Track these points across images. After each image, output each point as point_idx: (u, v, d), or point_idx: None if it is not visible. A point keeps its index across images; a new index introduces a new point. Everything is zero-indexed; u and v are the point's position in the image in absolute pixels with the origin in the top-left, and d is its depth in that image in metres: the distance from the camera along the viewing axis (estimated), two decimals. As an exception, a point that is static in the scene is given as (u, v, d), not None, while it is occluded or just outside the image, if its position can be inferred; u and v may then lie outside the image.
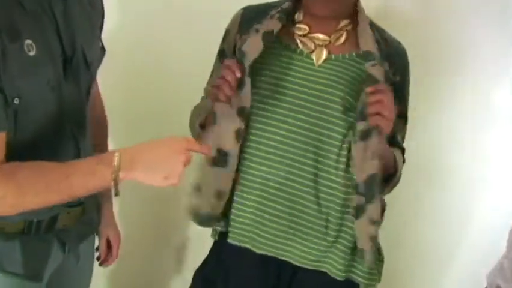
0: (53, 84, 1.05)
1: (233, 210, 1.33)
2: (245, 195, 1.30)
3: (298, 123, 1.25)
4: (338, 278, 1.30)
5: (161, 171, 1.01)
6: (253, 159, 1.28)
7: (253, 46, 1.23)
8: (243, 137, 1.27)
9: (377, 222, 1.27)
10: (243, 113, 1.26)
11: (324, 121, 1.24)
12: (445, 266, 1.84)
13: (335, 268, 1.30)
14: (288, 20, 1.29)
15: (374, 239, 1.28)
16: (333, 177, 1.26)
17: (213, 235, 1.40)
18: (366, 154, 1.22)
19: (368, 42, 1.24)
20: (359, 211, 1.26)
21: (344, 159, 1.25)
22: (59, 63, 1.07)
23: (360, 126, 1.22)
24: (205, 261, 1.41)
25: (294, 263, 1.31)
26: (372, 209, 1.25)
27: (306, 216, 1.29)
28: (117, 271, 1.92)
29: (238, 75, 1.20)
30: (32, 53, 0.99)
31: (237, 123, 1.25)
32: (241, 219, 1.32)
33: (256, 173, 1.28)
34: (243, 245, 1.33)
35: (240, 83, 1.22)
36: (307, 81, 1.26)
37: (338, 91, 1.25)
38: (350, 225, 1.28)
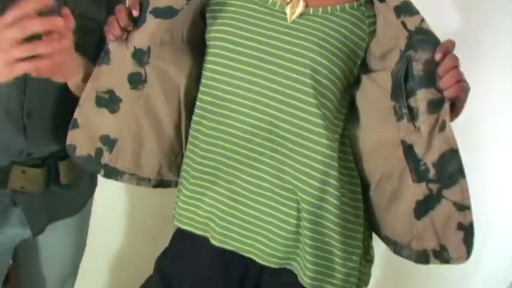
0: None
1: (179, 187, 1.15)
2: (190, 169, 1.11)
3: (261, 90, 1.02)
4: (306, 286, 1.08)
5: None
6: (204, 122, 1.08)
7: None
8: (142, 83, 1.08)
9: (466, 208, 0.98)
10: (139, 56, 1.06)
11: (291, 98, 1.02)
12: (471, 267, 1.67)
13: (303, 274, 1.08)
14: None
15: (467, 228, 0.98)
16: (302, 158, 1.03)
17: (173, 218, 1.19)
18: (435, 129, 0.97)
19: None
20: (429, 204, 1.00)
21: (324, 141, 1.02)
22: None
23: (428, 95, 0.96)
24: (166, 250, 1.22)
25: (258, 260, 1.09)
26: (456, 193, 0.98)
27: (268, 194, 1.06)
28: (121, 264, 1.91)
29: (135, 14, 1.01)
30: None
31: (130, 67, 1.07)
32: (183, 198, 1.13)
33: (205, 138, 1.08)
34: (193, 231, 1.13)
35: (139, 19, 1.03)
36: (277, 40, 1.02)
37: (308, 60, 1.00)
38: (330, 219, 1.05)
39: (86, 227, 1.34)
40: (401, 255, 1.10)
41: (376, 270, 1.21)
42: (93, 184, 1.31)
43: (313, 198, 1.04)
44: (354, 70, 1.07)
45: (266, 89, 1.03)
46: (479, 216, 1.26)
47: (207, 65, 1.08)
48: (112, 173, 1.14)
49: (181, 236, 1.19)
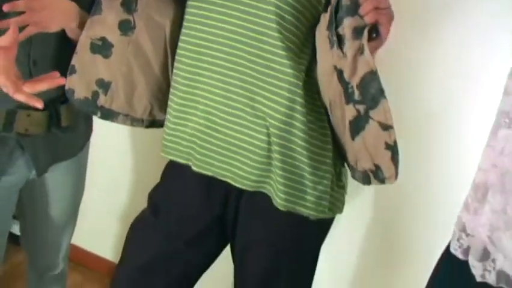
0: None
1: (165, 122, 1.27)
2: (173, 103, 1.23)
3: (232, 28, 1.14)
4: (279, 208, 1.19)
5: None
6: (184, 60, 1.20)
7: None
8: (131, 29, 1.22)
9: (389, 127, 1.09)
10: (127, 5, 1.21)
11: (259, 34, 1.13)
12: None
13: (276, 196, 1.19)
14: None
15: (392, 147, 1.10)
16: (273, 74, 1.13)
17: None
18: (358, 54, 1.08)
19: None
20: (358, 124, 1.11)
21: (289, 70, 1.13)
22: None
23: (352, 22, 1.08)
24: (157, 183, 1.36)
25: (234, 184, 1.21)
26: (380, 113, 1.09)
27: (241, 121, 1.17)
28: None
29: None
30: None
31: (119, 15, 1.21)
32: (168, 131, 1.25)
33: (185, 75, 1.20)
34: (177, 160, 1.26)
35: None
36: None
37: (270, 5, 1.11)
38: (298, 143, 1.16)
39: (84, 170, 1.48)
40: (355, 179, 1.21)
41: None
42: (89, 128, 1.44)
43: (281, 123, 1.15)
44: (319, 7, 1.17)
45: (237, 26, 1.15)
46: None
47: (188, 10, 1.21)
48: (108, 115, 1.29)
49: (169, 168, 1.33)
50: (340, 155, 1.25)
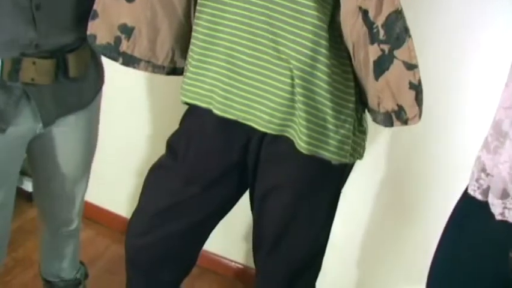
0: None
1: (186, 67, 1.26)
2: (195, 47, 1.22)
3: None
4: (302, 151, 1.20)
5: None
6: (208, 3, 1.19)
7: None
8: None
9: (414, 66, 1.10)
10: None
11: None
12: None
13: (299, 139, 1.19)
14: None
15: (416, 86, 1.11)
16: (289, 15, 1.13)
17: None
18: None
19: None
20: (383, 64, 1.11)
21: (314, 12, 1.11)
22: None
23: None
24: (176, 130, 1.36)
25: (257, 127, 1.21)
26: (404, 52, 1.10)
27: (265, 64, 1.17)
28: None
29: None
30: None
31: None
32: (189, 74, 1.25)
33: (208, 18, 1.19)
34: (198, 104, 1.25)
35: None
36: None
37: None
38: (321, 86, 1.15)
39: (97, 123, 1.45)
40: (377, 122, 1.22)
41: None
42: (100, 79, 1.40)
43: (305, 65, 1.15)
44: None
45: None
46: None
47: None
48: (130, 61, 1.29)
49: (188, 115, 1.33)
50: (361, 101, 1.25)
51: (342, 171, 1.30)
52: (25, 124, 1.24)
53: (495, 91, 1.14)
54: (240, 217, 1.58)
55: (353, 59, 1.20)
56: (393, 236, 1.82)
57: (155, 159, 1.40)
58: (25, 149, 1.32)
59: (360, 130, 1.26)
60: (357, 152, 1.27)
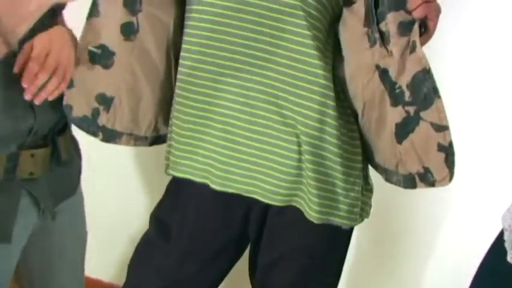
0: None
1: (170, 135, 1.14)
2: (182, 114, 1.10)
3: (252, 26, 1.02)
4: (313, 221, 1.10)
5: None
6: (190, 64, 1.07)
7: None
8: (135, 33, 1.08)
9: (444, 128, 1.01)
10: (131, 4, 1.06)
11: (285, 32, 1.02)
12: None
13: (309, 208, 1.10)
14: None
15: (447, 148, 1.02)
16: (298, 76, 1.03)
17: (165, 169, 1.18)
18: (406, 51, 1.00)
19: None
20: (407, 127, 1.03)
21: (321, 71, 1.03)
22: None
23: (397, 17, 0.99)
24: (161, 202, 1.22)
25: (262, 200, 1.11)
26: (433, 113, 1.01)
27: (267, 131, 1.06)
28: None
29: None
30: None
31: (122, 17, 1.07)
32: (178, 145, 1.12)
33: (192, 80, 1.07)
34: (192, 179, 1.13)
35: None
36: None
37: None
38: (330, 150, 1.06)
39: (83, 207, 1.32)
40: (392, 182, 1.13)
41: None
42: (79, 158, 1.29)
43: (313, 130, 1.06)
44: (340, 1, 1.08)
45: (258, 25, 1.03)
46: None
47: (192, 7, 1.07)
48: (111, 136, 1.14)
49: (177, 186, 1.19)
50: (364, 157, 1.17)
51: (351, 231, 1.23)
52: (26, 220, 1.11)
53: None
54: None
55: (360, 117, 1.11)
56: (379, 271, 1.78)
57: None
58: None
59: (367, 189, 1.18)
60: (365, 211, 1.19)
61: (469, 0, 1.45)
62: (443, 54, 1.42)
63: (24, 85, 1.00)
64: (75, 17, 1.14)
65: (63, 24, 1.17)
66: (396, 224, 1.70)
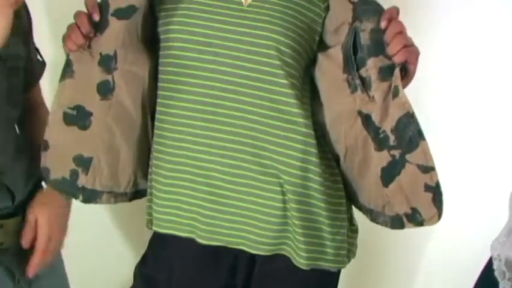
0: None
1: (150, 191, 1.13)
2: (162, 170, 1.09)
3: (227, 78, 1.03)
4: (302, 267, 1.10)
5: None
6: (167, 118, 1.07)
7: None
8: (111, 91, 1.07)
9: (431, 168, 1.02)
10: (106, 63, 1.05)
11: (262, 82, 1.03)
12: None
13: (297, 255, 1.09)
14: None
15: (434, 188, 1.02)
16: (275, 131, 1.04)
17: (147, 224, 1.17)
18: (389, 96, 1.01)
19: None
20: (393, 170, 1.03)
21: (301, 120, 1.04)
22: None
23: (377, 63, 1.00)
24: (145, 256, 1.20)
25: (249, 250, 1.10)
26: (419, 155, 1.01)
27: (250, 182, 1.06)
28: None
29: (97, 18, 1.00)
30: None
31: (97, 76, 1.06)
32: (160, 201, 1.11)
33: (170, 134, 1.07)
34: (178, 234, 1.11)
35: (100, 24, 1.02)
36: (236, 25, 1.03)
37: (271, 41, 1.01)
38: (315, 196, 1.07)
39: (62, 265, 1.25)
40: (378, 223, 1.13)
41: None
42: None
43: (297, 179, 1.06)
44: (314, 46, 1.09)
45: (233, 76, 1.03)
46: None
47: (164, 60, 1.07)
48: (91, 196, 1.12)
49: (160, 240, 1.17)
50: (347, 197, 1.17)
51: (339, 272, 1.22)
52: None
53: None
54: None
55: (342, 160, 1.12)
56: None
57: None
58: None
59: (352, 230, 1.19)
60: (352, 252, 1.20)
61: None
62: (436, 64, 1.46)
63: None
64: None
65: (39, 94, 1.16)
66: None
